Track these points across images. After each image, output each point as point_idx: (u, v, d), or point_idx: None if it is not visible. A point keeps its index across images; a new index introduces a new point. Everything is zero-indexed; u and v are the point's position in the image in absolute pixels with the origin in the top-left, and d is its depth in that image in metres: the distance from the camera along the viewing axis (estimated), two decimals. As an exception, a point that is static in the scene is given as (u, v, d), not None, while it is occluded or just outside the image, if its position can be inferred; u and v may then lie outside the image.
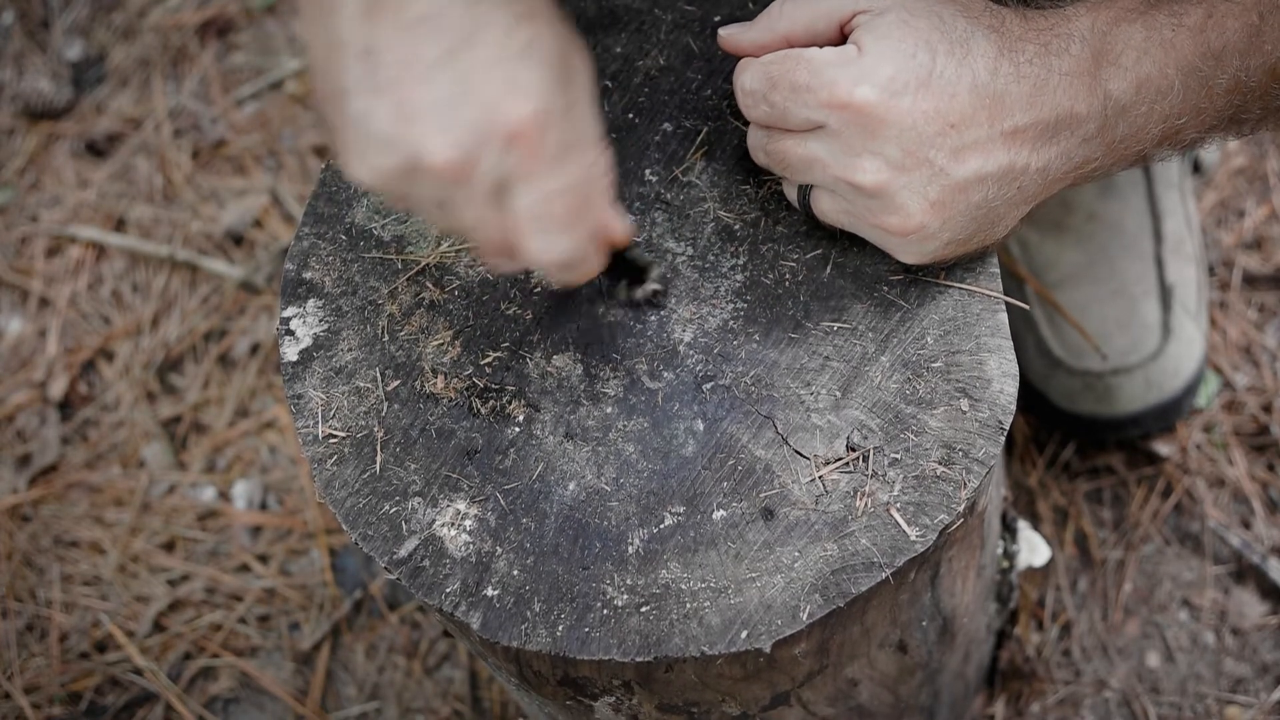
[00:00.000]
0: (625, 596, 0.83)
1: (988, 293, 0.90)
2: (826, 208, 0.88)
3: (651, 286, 0.91)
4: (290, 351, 0.94)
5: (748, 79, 0.86)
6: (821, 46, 0.84)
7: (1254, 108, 0.87)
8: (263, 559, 1.66)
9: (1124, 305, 1.49)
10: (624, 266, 0.91)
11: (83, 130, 2.03)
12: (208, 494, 1.72)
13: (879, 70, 0.80)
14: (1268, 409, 1.59)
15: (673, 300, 0.93)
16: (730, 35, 0.90)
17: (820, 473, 0.86)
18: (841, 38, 0.85)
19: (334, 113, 0.77)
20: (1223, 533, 1.53)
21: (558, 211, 0.77)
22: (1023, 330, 1.52)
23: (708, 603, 0.82)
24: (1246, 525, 1.54)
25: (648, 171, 0.98)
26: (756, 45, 0.88)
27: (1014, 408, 0.87)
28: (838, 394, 0.88)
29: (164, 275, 1.89)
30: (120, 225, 1.95)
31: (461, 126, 0.73)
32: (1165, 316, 1.49)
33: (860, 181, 0.82)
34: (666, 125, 0.99)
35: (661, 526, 0.85)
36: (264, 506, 1.70)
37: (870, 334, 0.90)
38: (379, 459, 0.90)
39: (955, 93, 0.80)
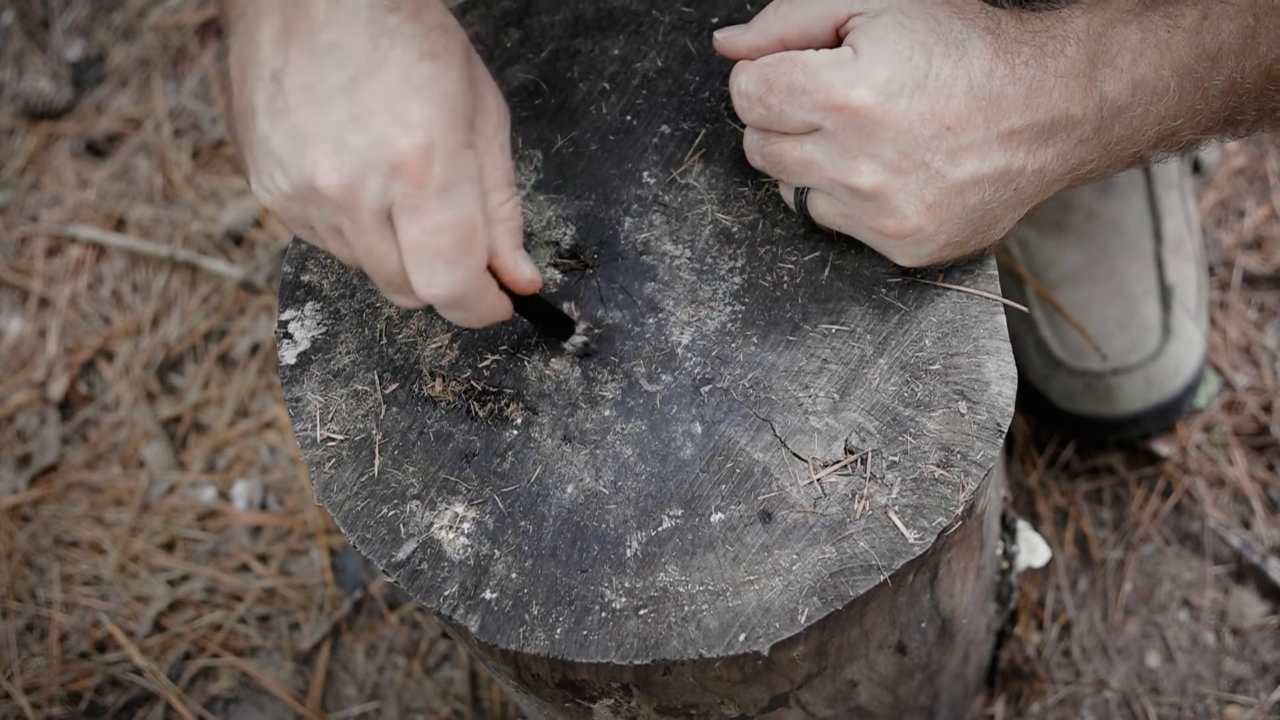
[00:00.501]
0: (623, 599, 0.83)
1: (986, 295, 0.90)
2: (823, 210, 0.88)
3: (579, 339, 0.91)
4: (288, 354, 0.94)
5: (744, 81, 0.86)
6: (817, 49, 0.84)
7: (1249, 109, 0.86)
8: (263, 559, 1.66)
9: (1124, 305, 1.49)
10: (549, 316, 0.90)
11: (83, 130, 2.03)
12: (208, 494, 1.72)
13: (875, 72, 0.80)
14: (1268, 409, 1.58)
15: (670, 303, 0.92)
16: (726, 38, 0.90)
17: (818, 475, 0.86)
18: (837, 40, 0.85)
19: (243, 132, 0.79)
20: (1223, 533, 1.53)
21: (439, 246, 0.77)
22: (1023, 330, 1.52)
23: (706, 605, 0.82)
24: (1246, 525, 1.54)
25: (645, 174, 0.97)
26: (752, 48, 0.88)
27: (1012, 410, 0.87)
28: (836, 396, 0.88)
29: (164, 275, 1.89)
30: (120, 225, 1.95)
31: (348, 154, 0.75)
32: (1165, 316, 1.49)
33: (856, 184, 0.82)
34: (664, 127, 0.99)
35: (660, 529, 0.85)
36: (264, 506, 1.70)
37: (868, 336, 0.90)
38: (377, 462, 0.90)
39: (951, 95, 0.80)
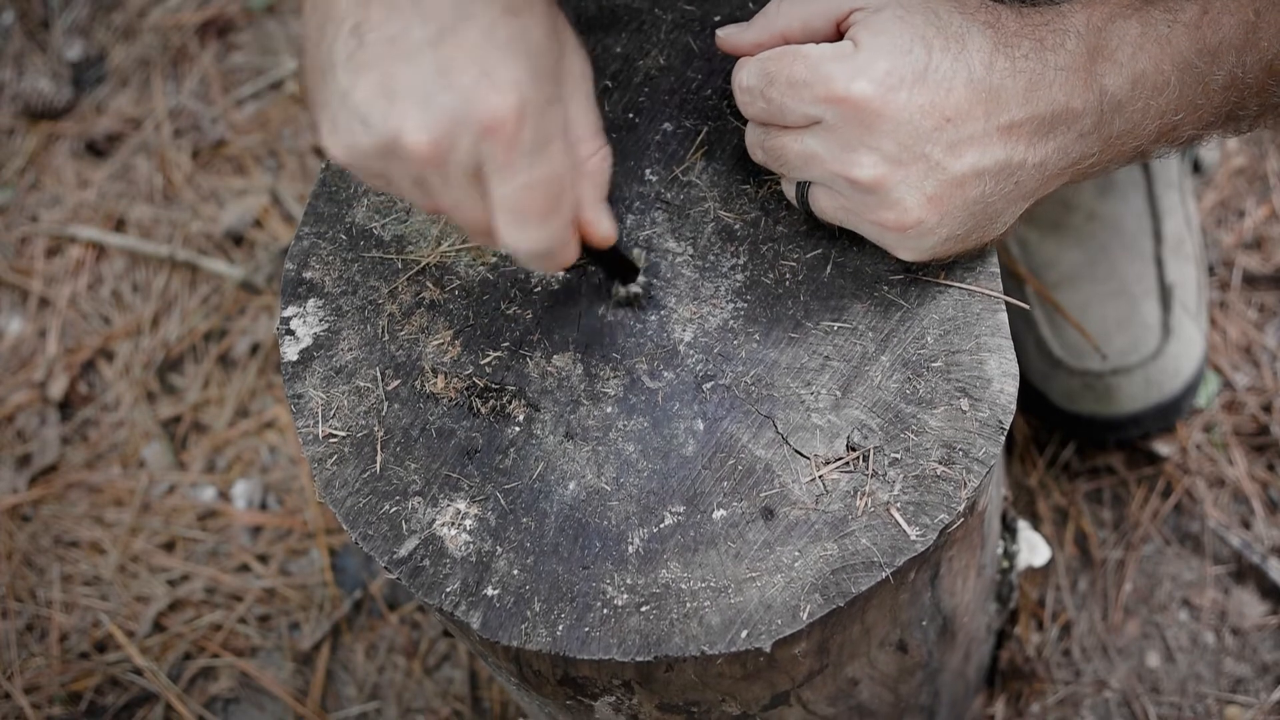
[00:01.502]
0: (625, 596, 0.83)
1: (988, 292, 0.90)
2: (825, 204, 0.88)
3: (635, 289, 0.92)
4: (290, 351, 0.94)
5: (745, 75, 0.86)
6: (818, 44, 0.84)
7: (1251, 104, 0.87)
8: (263, 559, 1.66)
9: (1124, 305, 1.49)
10: (615, 262, 0.91)
11: (83, 130, 2.03)
12: (208, 494, 1.72)
13: (875, 65, 0.80)
14: (1268, 409, 1.59)
15: (673, 300, 0.93)
16: (728, 35, 0.90)
17: (820, 472, 0.86)
18: (838, 35, 0.86)
19: (318, 88, 0.78)
20: (1223, 533, 1.53)
21: (530, 204, 0.78)
22: (1023, 330, 1.52)
23: (708, 602, 0.82)
24: (1246, 525, 1.54)
25: (648, 171, 0.98)
26: (754, 44, 0.88)
27: (1014, 407, 0.87)
28: (838, 393, 0.88)
29: (164, 275, 1.89)
30: (120, 225, 1.95)
31: (438, 112, 0.74)
32: (1165, 316, 1.49)
33: (857, 176, 0.83)
34: (667, 125, 0.99)
35: (661, 526, 0.85)
36: (264, 506, 1.70)
37: (870, 333, 0.90)
38: (379, 459, 0.90)
39: (951, 87, 0.80)
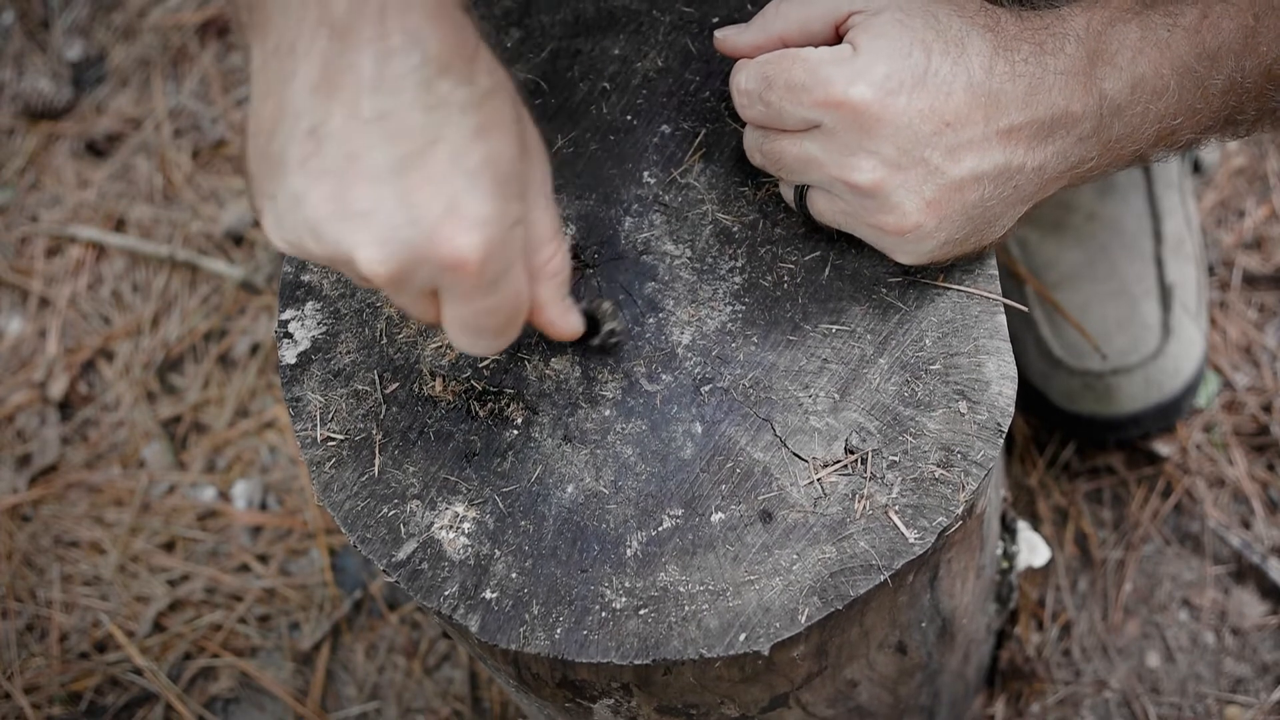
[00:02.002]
0: (624, 599, 0.83)
1: (986, 295, 0.90)
2: (823, 208, 0.88)
3: (606, 331, 0.90)
4: (288, 354, 0.94)
5: (743, 79, 0.86)
6: (817, 47, 0.84)
7: (1249, 108, 0.87)
8: (263, 559, 1.66)
9: (1124, 305, 1.49)
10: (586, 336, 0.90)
11: (83, 130, 2.03)
12: (208, 494, 1.72)
13: (874, 69, 0.80)
14: (1268, 409, 1.58)
15: (671, 302, 0.92)
16: (726, 37, 0.90)
17: (818, 475, 0.86)
18: (837, 38, 0.85)
19: (264, 177, 0.73)
20: (1223, 533, 1.53)
21: (486, 326, 0.76)
22: (1023, 330, 1.52)
23: (706, 605, 0.82)
24: (1246, 525, 1.54)
25: (646, 173, 0.97)
26: (752, 46, 0.88)
27: (1012, 410, 0.87)
28: (836, 396, 0.88)
29: (164, 275, 1.89)
30: (120, 225, 1.95)
31: (399, 245, 0.70)
32: (1165, 316, 1.49)
33: (856, 180, 0.82)
34: (664, 127, 0.99)
35: (660, 529, 0.85)
36: (264, 506, 1.70)
37: (868, 336, 0.90)
38: (377, 462, 0.90)
39: (951, 91, 0.80)
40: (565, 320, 0.83)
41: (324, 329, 0.95)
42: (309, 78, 0.69)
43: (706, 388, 0.89)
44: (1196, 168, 1.73)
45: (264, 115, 0.72)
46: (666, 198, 0.96)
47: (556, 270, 0.80)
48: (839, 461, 0.86)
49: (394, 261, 0.70)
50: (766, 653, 0.81)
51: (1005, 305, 0.90)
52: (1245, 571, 1.52)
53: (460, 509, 0.87)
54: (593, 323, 0.90)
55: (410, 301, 0.76)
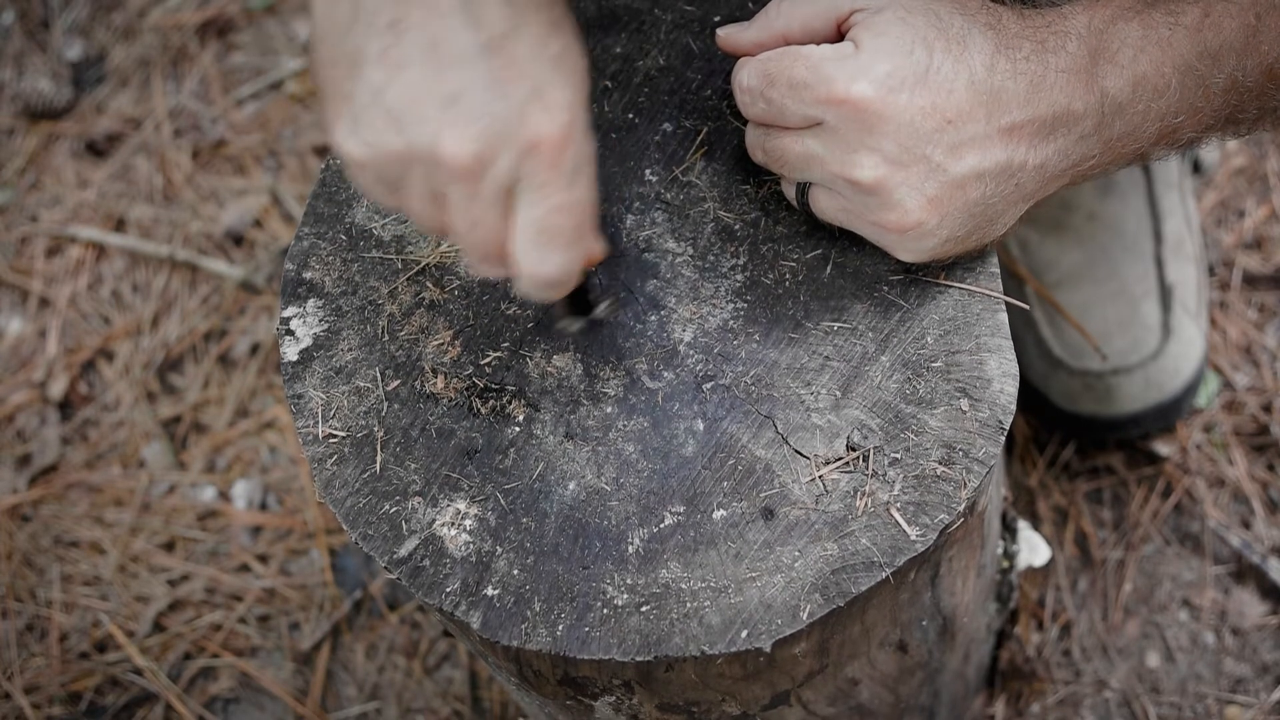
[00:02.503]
0: (625, 596, 0.83)
1: (987, 292, 0.90)
2: (825, 205, 0.88)
3: (606, 304, 0.91)
4: (290, 351, 0.94)
5: (745, 76, 0.86)
6: (819, 45, 0.84)
7: (1250, 107, 0.87)
8: (263, 559, 1.66)
9: (1124, 305, 1.49)
10: (578, 295, 0.90)
11: (83, 130, 2.03)
12: (208, 494, 1.72)
13: (876, 66, 0.80)
14: (1268, 409, 1.59)
15: (673, 300, 0.93)
16: (728, 35, 0.90)
17: (820, 472, 0.86)
18: (839, 36, 0.86)
19: (340, 79, 0.74)
20: (1223, 533, 1.53)
21: (560, 227, 0.76)
22: (1023, 330, 1.53)
23: (708, 602, 0.82)
24: (1246, 525, 1.54)
25: (648, 171, 0.98)
26: (754, 44, 0.88)
27: (1014, 407, 0.87)
28: (838, 394, 0.88)
29: (164, 275, 1.89)
30: (120, 225, 1.95)
31: (486, 124, 0.71)
32: (1165, 316, 1.49)
33: (858, 178, 0.83)
34: (666, 125, 0.99)
35: (661, 526, 0.85)
36: (264, 506, 1.70)
37: (870, 334, 0.90)
38: (379, 459, 0.90)
39: (952, 89, 0.80)
40: (597, 243, 0.82)
41: (326, 326, 0.95)
42: None
43: (708, 385, 0.89)
44: (1196, 168, 1.73)
45: (337, 17, 0.73)
46: (668, 195, 0.97)
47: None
48: (841, 459, 0.86)
49: (481, 141, 0.71)
50: (768, 650, 0.81)
51: (1006, 303, 0.90)
52: (1245, 571, 1.52)
53: (462, 506, 0.87)
54: (587, 300, 0.90)
55: (482, 209, 0.75)
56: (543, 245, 0.77)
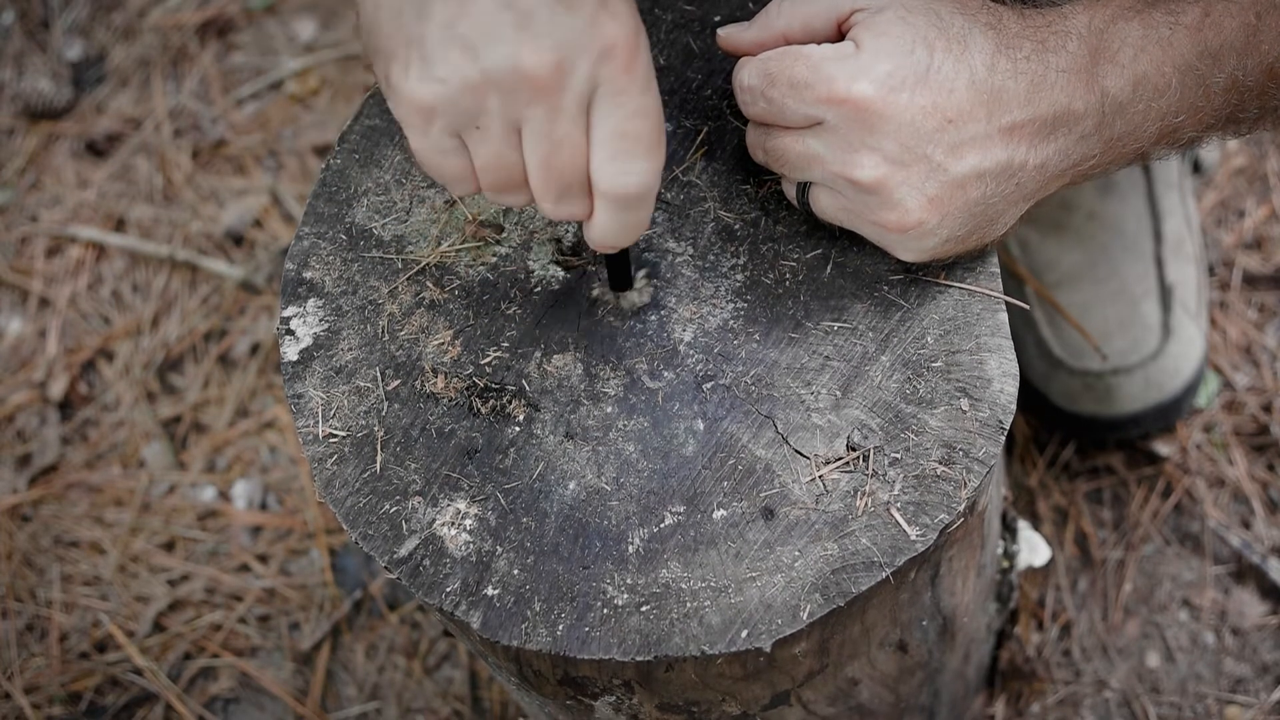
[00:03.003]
0: (625, 596, 0.83)
1: (988, 292, 0.90)
2: (825, 205, 0.88)
3: (633, 296, 0.92)
4: (290, 351, 0.94)
5: (746, 76, 0.86)
6: (819, 45, 0.84)
7: (1251, 107, 0.87)
8: (263, 559, 1.66)
9: (1124, 305, 1.49)
10: (623, 267, 0.91)
11: (83, 130, 2.03)
12: (208, 494, 1.72)
13: (877, 66, 0.80)
14: (1268, 409, 1.59)
15: (673, 300, 0.93)
16: (729, 35, 0.90)
17: (820, 472, 0.86)
18: (839, 35, 0.86)
19: (405, 25, 0.75)
20: (1223, 533, 1.53)
21: (642, 130, 0.77)
22: (1023, 330, 1.53)
23: (708, 602, 0.82)
24: (1246, 525, 1.54)
25: (648, 171, 0.97)
26: (755, 44, 0.88)
27: (1014, 407, 0.87)
28: (838, 393, 0.88)
29: (164, 275, 1.89)
30: (120, 225, 1.95)
31: (560, 35, 0.73)
32: (1165, 316, 1.49)
33: (858, 177, 0.83)
34: (667, 125, 0.99)
35: (662, 526, 0.85)
36: (264, 506, 1.70)
37: (870, 334, 0.90)
38: (379, 458, 0.90)
39: (953, 88, 0.80)
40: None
41: (326, 326, 0.95)
42: None
43: (708, 385, 0.89)
44: (1196, 168, 1.73)
45: None
46: (668, 195, 0.97)
47: None
48: (841, 458, 0.86)
49: (559, 51, 0.73)
50: (768, 650, 0.81)
51: (1007, 303, 0.90)
52: (1245, 571, 1.52)
53: (462, 505, 0.87)
54: (626, 275, 0.92)
55: (565, 127, 0.77)
56: (626, 153, 0.78)
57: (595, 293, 0.94)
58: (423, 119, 0.77)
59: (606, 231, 0.82)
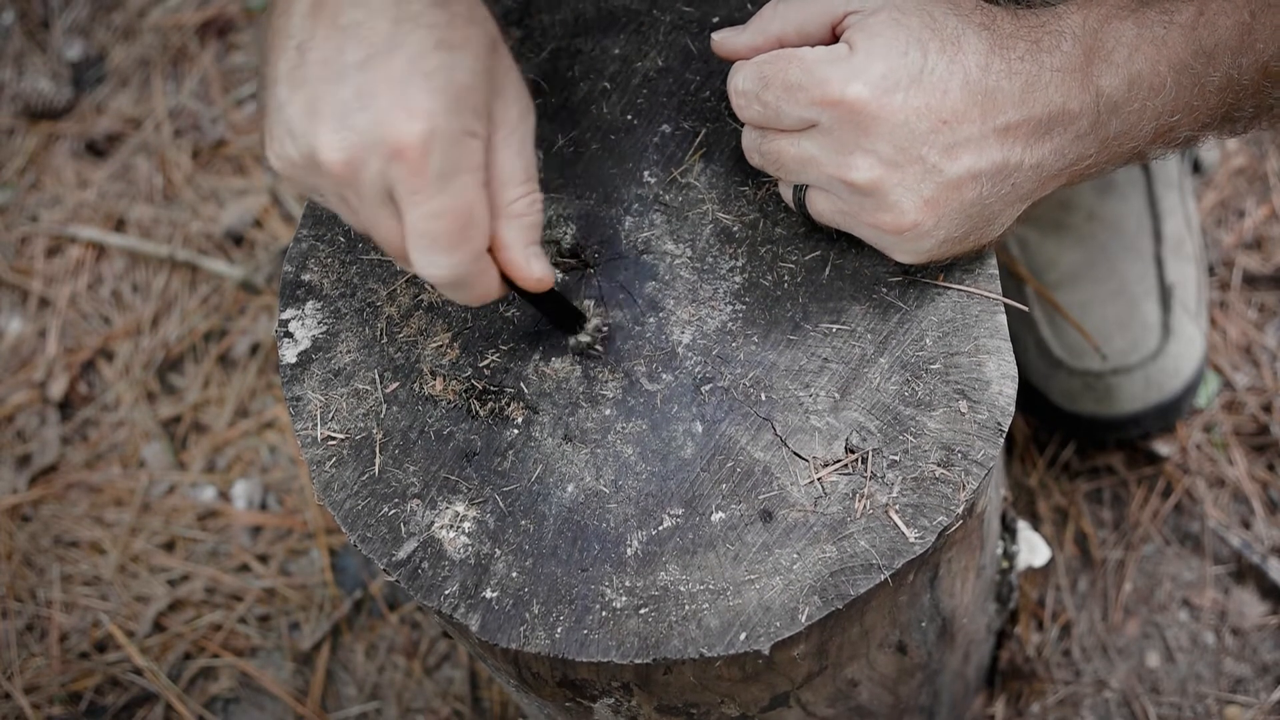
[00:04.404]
0: (624, 598, 0.83)
1: (986, 294, 0.90)
2: (822, 207, 0.88)
3: (584, 338, 0.91)
4: (289, 353, 0.94)
5: (741, 79, 0.86)
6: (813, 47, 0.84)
7: (1247, 105, 0.87)
8: (263, 559, 1.66)
9: (1124, 305, 1.49)
10: (559, 309, 0.90)
11: (83, 130, 2.03)
12: (208, 494, 1.72)
13: (871, 67, 0.80)
14: (1268, 409, 1.58)
15: (671, 302, 0.93)
16: (723, 39, 0.90)
17: (819, 474, 0.86)
18: (834, 39, 0.85)
19: (265, 101, 0.81)
20: (1223, 533, 1.53)
21: (436, 232, 0.78)
22: (1023, 330, 1.52)
23: (706, 605, 0.82)
24: (1246, 525, 1.54)
25: (646, 173, 0.97)
26: (749, 48, 0.88)
27: (1013, 409, 0.87)
28: (836, 396, 0.88)
29: (164, 275, 1.89)
30: (120, 225, 1.95)
31: (350, 132, 0.76)
32: (1165, 316, 1.49)
33: (853, 179, 0.82)
34: (665, 127, 0.99)
35: (660, 528, 0.85)
36: (264, 506, 1.70)
37: (869, 336, 0.90)
38: (378, 461, 0.90)
39: (947, 89, 0.80)
40: (528, 266, 0.84)
41: (324, 328, 0.95)
42: (304, 6, 0.78)
43: (707, 387, 0.89)
44: (1196, 167, 1.73)
45: (267, 44, 0.81)
46: (667, 197, 0.96)
47: (522, 212, 0.83)
48: (839, 461, 0.86)
49: (347, 148, 0.76)
50: (767, 652, 0.81)
51: (1005, 305, 0.90)
52: (1245, 571, 1.52)
53: (461, 508, 0.87)
54: (578, 317, 0.91)
55: (374, 211, 0.80)
56: (424, 249, 0.79)
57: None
58: (283, 177, 0.83)
59: (448, 296, 0.85)
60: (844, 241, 0.93)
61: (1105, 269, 1.51)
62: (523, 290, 0.86)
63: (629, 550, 0.85)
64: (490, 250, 0.83)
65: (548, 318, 0.91)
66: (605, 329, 0.92)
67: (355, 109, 0.76)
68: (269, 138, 0.81)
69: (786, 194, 0.92)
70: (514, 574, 0.85)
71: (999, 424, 0.86)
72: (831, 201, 0.87)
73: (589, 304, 0.93)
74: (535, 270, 0.84)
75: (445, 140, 0.76)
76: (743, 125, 0.91)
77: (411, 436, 0.90)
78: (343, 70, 0.76)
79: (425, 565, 0.86)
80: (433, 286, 0.93)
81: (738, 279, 0.93)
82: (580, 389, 0.90)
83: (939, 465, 0.85)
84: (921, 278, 0.91)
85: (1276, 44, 0.84)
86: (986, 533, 1.04)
